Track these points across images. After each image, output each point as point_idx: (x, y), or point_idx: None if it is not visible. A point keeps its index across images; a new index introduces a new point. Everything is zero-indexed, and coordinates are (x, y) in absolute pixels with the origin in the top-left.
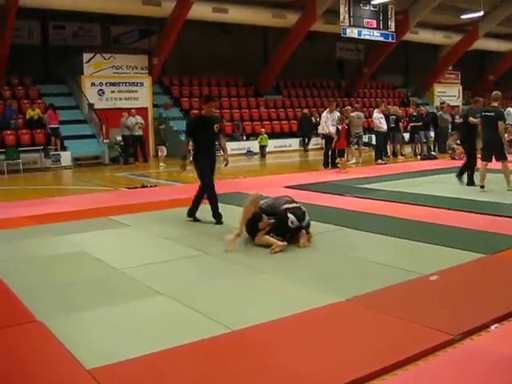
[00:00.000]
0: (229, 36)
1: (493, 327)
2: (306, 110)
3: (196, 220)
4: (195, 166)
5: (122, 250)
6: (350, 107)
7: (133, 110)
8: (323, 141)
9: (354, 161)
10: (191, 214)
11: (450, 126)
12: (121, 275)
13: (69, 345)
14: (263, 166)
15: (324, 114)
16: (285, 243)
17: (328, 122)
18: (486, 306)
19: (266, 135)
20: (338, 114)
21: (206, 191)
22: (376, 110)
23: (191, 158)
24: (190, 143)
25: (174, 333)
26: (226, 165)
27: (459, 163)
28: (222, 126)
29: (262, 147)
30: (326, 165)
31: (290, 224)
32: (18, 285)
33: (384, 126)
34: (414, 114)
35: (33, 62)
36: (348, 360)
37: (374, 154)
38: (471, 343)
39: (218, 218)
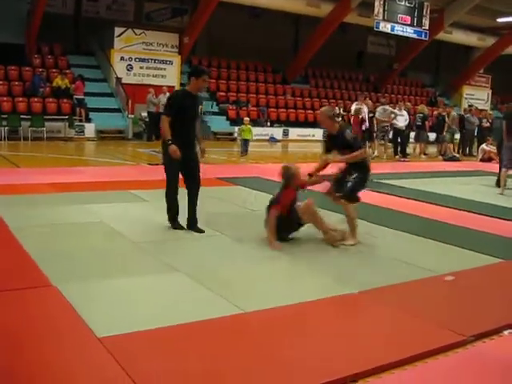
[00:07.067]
0: (260, 21)
1: (506, 332)
2: (332, 101)
3: (181, 228)
4: (163, 156)
5: (140, 224)
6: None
7: (164, 88)
8: None
9: (376, 154)
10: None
11: (476, 129)
12: (138, 248)
13: (81, 312)
14: (285, 154)
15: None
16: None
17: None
18: (500, 311)
19: (249, 126)
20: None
21: (167, 192)
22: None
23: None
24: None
25: (186, 310)
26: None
27: (483, 166)
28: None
29: (245, 141)
30: None
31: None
32: (35, 250)
33: (399, 123)
34: (443, 114)
35: (64, 31)
36: (355, 352)
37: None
38: (483, 346)
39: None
